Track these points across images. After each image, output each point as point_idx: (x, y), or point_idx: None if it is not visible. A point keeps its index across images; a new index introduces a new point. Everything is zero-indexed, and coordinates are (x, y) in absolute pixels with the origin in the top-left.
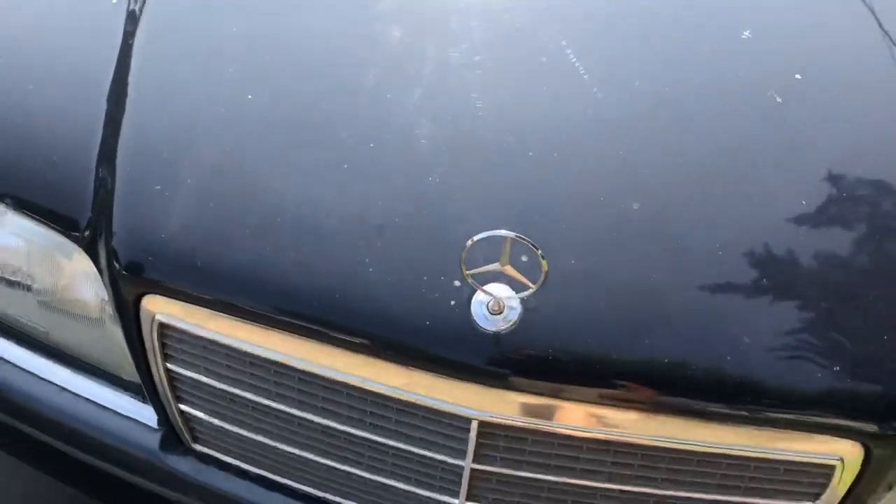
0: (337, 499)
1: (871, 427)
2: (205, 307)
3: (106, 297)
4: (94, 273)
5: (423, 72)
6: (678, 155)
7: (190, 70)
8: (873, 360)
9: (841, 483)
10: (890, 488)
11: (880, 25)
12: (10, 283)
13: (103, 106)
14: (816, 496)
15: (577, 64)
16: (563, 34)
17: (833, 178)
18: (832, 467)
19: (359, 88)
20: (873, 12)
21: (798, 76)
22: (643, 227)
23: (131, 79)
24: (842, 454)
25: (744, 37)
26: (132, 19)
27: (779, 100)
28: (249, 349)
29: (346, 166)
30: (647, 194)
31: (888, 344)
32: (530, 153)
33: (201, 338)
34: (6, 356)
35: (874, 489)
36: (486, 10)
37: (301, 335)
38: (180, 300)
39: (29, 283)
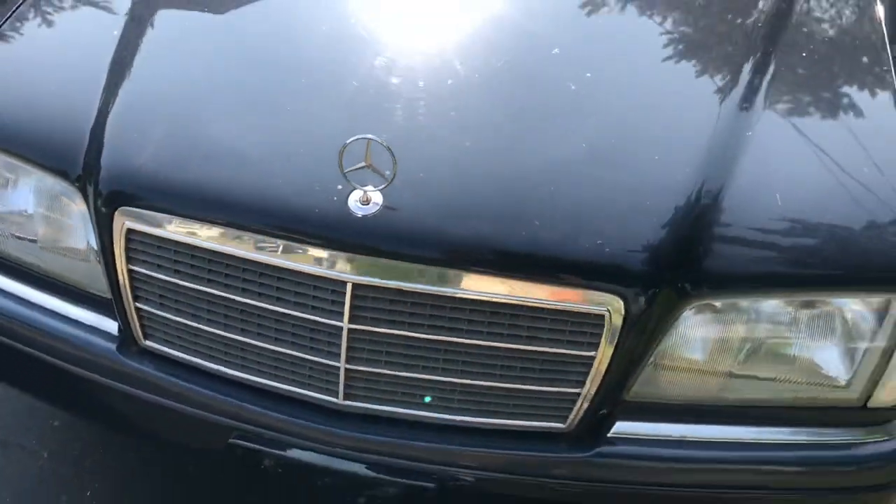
0: (251, 377)
1: (624, 284)
2: (162, 213)
3: (93, 245)
4: (86, 215)
5: (327, 56)
6: (501, 112)
7: (161, 61)
8: (622, 237)
9: (611, 330)
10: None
11: (646, 42)
12: (19, 238)
13: (100, 89)
14: (595, 346)
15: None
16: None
17: (600, 125)
18: (602, 316)
19: (279, 67)
20: (637, 39)
21: (588, 74)
22: (471, 154)
23: (118, 67)
24: (608, 306)
25: (554, 52)
26: (127, 29)
27: (573, 87)
28: (192, 241)
29: (268, 116)
30: (475, 136)
31: (631, 224)
32: (398, 109)
33: (157, 237)
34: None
35: (637, 340)
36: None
37: (231, 228)
38: (144, 209)
39: (34, 238)
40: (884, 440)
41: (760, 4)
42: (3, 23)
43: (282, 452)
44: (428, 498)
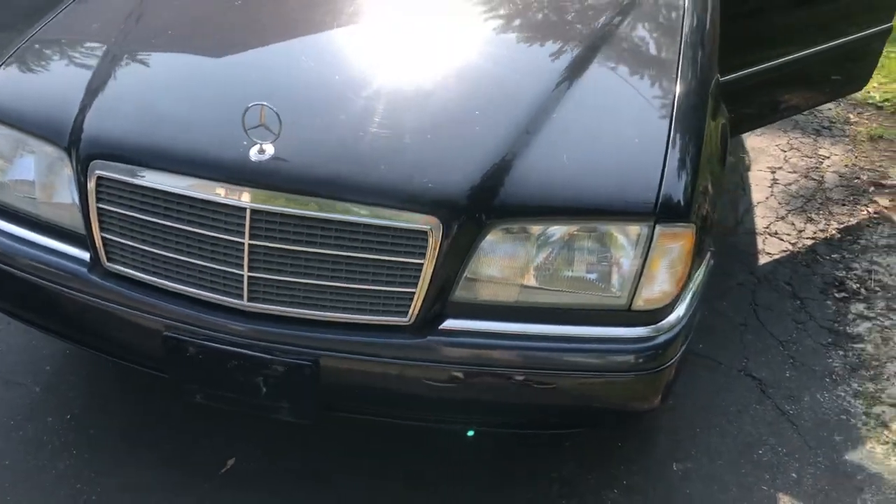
0: (181, 287)
1: (441, 211)
2: (124, 163)
3: (75, 200)
4: (71, 177)
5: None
6: (367, 93)
7: (123, 72)
8: (442, 180)
9: (433, 244)
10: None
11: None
12: (23, 196)
13: (82, 90)
14: (423, 254)
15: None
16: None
17: (440, 104)
18: (426, 232)
19: (208, 66)
20: (485, 43)
21: (440, 69)
22: (340, 122)
23: (94, 77)
24: (430, 224)
25: (416, 52)
26: (103, 56)
27: (426, 76)
28: (143, 183)
29: (197, 98)
30: (346, 110)
31: (449, 171)
32: (292, 92)
33: (118, 180)
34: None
35: (453, 255)
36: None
37: (168, 172)
38: (111, 160)
39: (34, 196)
40: (652, 336)
41: (591, 23)
42: (24, 43)
43: (203, 342)
44: (306, 374)
